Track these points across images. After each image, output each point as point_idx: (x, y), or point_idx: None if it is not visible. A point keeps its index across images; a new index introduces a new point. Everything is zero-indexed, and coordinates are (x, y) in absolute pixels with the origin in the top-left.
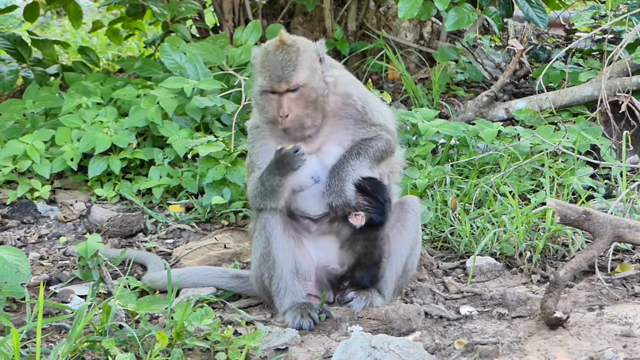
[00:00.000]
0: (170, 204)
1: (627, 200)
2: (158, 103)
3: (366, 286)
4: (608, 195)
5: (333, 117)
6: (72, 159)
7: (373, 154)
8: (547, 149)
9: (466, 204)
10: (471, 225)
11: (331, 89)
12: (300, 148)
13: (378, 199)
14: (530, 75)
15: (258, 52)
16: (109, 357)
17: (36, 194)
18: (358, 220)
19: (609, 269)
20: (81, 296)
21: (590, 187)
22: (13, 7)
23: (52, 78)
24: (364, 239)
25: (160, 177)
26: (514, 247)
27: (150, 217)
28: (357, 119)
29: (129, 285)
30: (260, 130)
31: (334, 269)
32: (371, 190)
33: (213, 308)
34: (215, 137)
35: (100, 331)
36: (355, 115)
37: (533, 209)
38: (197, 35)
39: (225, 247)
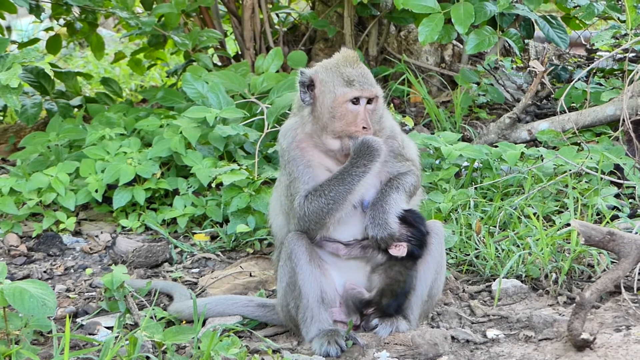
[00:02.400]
0: (195, 233)
1: None
2: (181, 133)
3: (391, 314)
4: (633, 215)
5: None
6: (96, 191)
7: (409, 189)
8: (570, 170)
9: (491, 227)
10: (496, 248)
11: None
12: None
13: (421, 230)
14: (553, 96)
15: (320, 69)
16: None
17: (61, 226)
18: (399, 251)
19: (634, 288)
20: (108, 328)
21: (615, 206)
22: (35, 40)
23: (76, 110)
24: (400, 265)
25: (185, 206)
26: (540, 269)
27: (176, 247)
28: (397, 153)
29: (155, 316)
30: (308, 145)
31: (359, 293)
32: (413, 221)
33: (239, 337)
34: (239, 165)
35: None
36: (396, 150)
37: (558, 230)
38: (219, 64)
39: (250, 275)
